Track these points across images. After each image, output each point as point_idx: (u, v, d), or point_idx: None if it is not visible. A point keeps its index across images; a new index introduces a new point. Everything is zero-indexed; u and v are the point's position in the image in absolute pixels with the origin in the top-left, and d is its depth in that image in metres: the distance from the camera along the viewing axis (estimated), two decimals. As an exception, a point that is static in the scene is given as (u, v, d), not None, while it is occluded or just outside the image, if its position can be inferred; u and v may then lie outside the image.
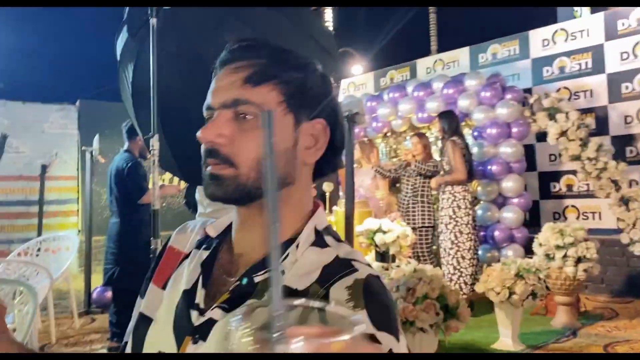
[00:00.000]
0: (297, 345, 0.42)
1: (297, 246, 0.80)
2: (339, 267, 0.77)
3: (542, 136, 5.86)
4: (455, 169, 5.07)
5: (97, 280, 6.37)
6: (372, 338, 0.69)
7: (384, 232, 4.29)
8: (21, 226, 8.22)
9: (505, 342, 3.98)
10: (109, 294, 5.57)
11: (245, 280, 0.79)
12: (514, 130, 5.71)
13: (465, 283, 5.07)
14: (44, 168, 7.94)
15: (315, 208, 0.87)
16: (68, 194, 8.73)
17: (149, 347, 0.83)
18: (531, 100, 5.57)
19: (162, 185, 3.99)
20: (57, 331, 4.53)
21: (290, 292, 0.75)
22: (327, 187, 5.10)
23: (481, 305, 4.67)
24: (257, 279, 0.78)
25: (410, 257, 4.65)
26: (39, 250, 5.04)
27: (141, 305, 0.89)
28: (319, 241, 0.82)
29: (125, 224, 4.32)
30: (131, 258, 4.15)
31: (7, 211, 8.11)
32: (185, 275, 0.85)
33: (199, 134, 0.78)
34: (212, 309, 0.77)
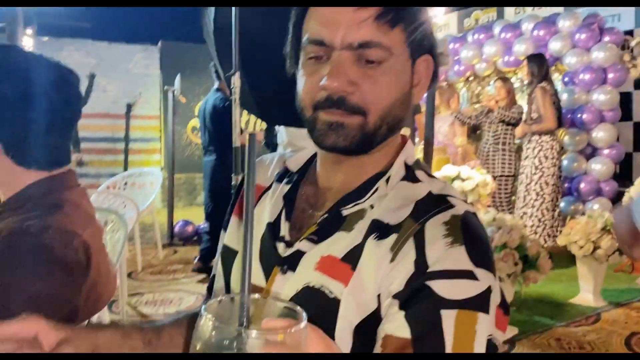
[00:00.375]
0: (255, 336, 0.44)
1: (387, 180, 0.77)
2: (434, 203, 0.74)
3: (641, 83, 5.41)
4: (545, 118, 4.80)
5: (179, 214, 6.69)
6: (470, 275, 0.67)
7: (463, 180, 4.17)
8: (108, 162, 8.71)
9: (586, 297, 3.83)
10: (190, 228, 5.86)
11: (332, 213, 0.77)
12: (610, 75, 5.29)
13: (548, 235, 4.90)
14: (129, 107, 8.31)
15: (404, 142, 0.83)
16: (151, 132, 9.11)
17: (236, 278, 0.84)
18: (632, 43, 5.12)
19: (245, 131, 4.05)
20: (142, 260, 4.82)
21: (382, 227, 0.73)
22: (404, 132, 4.99)
23: (562, 258, 4.51)
24: (345, 212, 0.77)
25: (489, 205, 4.51)
26: (125, 184, 5.32)
27: (225, 238, 0.90)
28: (410, 176, 0.79)
29: (220, 161, 4.44)
30: (225, 195, 4.30)
31: (95, 147, 8.59)
32: (268, 208, 0.85)
33: (324, 82, 0.71)
34: (300, 241, 0.77)
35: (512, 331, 3.17)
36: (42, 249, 0.96)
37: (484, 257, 0.69)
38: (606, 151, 5.38)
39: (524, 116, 5.13)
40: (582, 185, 5.37)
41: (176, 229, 5.87)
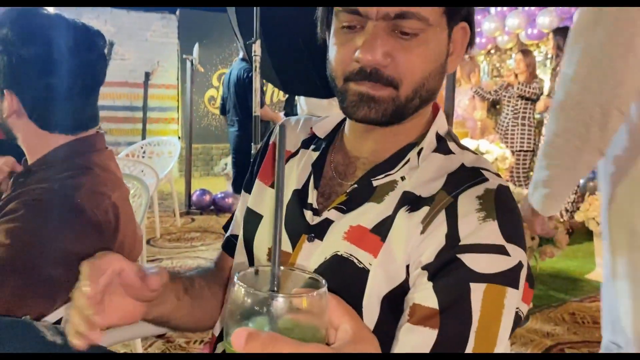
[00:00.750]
0: (282, 300, 0.49)
1: (419, 152, 0.76)
2: (467, 176, 0.73)
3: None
4: None
5: (196, 184, 6.76)
6: (501, 250, 0.67)
7: (482, 154, 4.14)
8: (126, 130, 8.78)
9: (602, 273, 3.82)
10: (207, 197, 5.92)
11: (363, 183, 0.77)
12: (637, 50, 5.16)
13: (566, 210, 4.89)
14: (147, 75, 8.31)
15: (435, 112, 0.82)
16: (169, 101, 9.14)
17: (259, 243, 0.84)
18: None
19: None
20: (160, 227, 4.89)
21: (414, 199, 0.73)
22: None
23: (579, 234, 4.49)
24: (375, 183, 0.76)
25: (508, 180, 4.49)
26: (144, 153, 5.37)
27: (249, 201, 0.90)
28: (442, 147, 0.78)
29: (244, 132, 4.44)
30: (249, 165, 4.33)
31: (114, 115, 8.64)
32: (295, 174, 0.84)
33: (357, 54, 0.70)
34: (329, 210, 0.77)
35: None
36: (74, 209, 0.98)
37: (515, 232, 0.69)
38: (628, 127, 5.29)
39: (546, 90, 5.05)
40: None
41: (194, 197, 5.94)
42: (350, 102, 0.73)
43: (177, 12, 8.93)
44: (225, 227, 1.00)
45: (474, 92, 5.59)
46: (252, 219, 0.88)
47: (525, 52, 5.36)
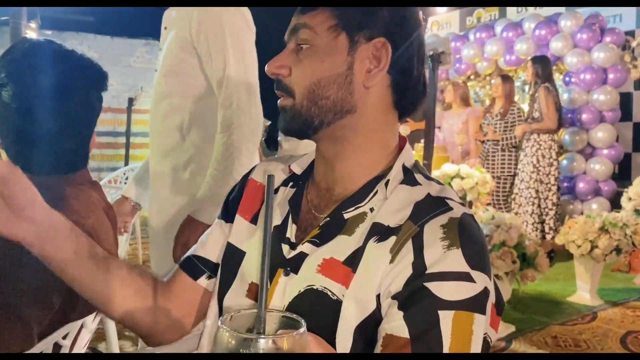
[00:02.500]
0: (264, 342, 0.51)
1: (386, 184, 0.79)
2: (432, 205, 0.76)
3: (641, 84, 5.43)
4: (547, 117, 4.83)
5: (179, 210, 6.69)
6: (467, 277, 0.69)
7: (462, 178, 4.19)
8: (109, 156, 8.73)
9: (583, 295, 3.87)
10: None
11: (334, 216, 0.80)
12: (611, 76, 5.31)
13: (545, 233, 4.96)
14: (131, 101, 8.29)
15: (402, 144, 0.85)
16: (152, 127, 9.10)
17: (241, 278, 0.85)
18: (633, 44, 5.15)
19: None
20: (143, 254, 4.85)
21: (382, 229, 0.75)
22: (404, 130, 5.01)
23: (559, 256, 4.54)
24: (346, 216, 0.79)
25: (488, 204, 4.54)
26: (126, 178, 5.32)
27: (230, 236, 0.91)
28: (409, 179, 0.81)
29: None
30: None
31: (97, 141, 8.53)
32: (276, 211, 0.86)
33: (266, 67, 0.81)
34: (303, 243, 0.79)
35: (509, 329, 3.20)
36: None
37: (480, 259, 0.71)
38: (605, 151, 5.41)
39: (525, 114, 5.15)
40: (580, 185, 5.40)
41: (177, 223, 5.89)
42: (278, 117, 0.83)
43: (161, 38, 8.99)
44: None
45: (475, 139, 5.60)
46: (233, 254, 0.89)
47: (505, 77, 5.46)
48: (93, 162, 8.66)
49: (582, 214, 4.77)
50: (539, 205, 4.98)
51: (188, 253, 0.96)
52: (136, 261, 4.65)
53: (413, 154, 0.86)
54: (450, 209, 0.75)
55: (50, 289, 0.96)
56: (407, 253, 0.71)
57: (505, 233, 3.23)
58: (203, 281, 0.92)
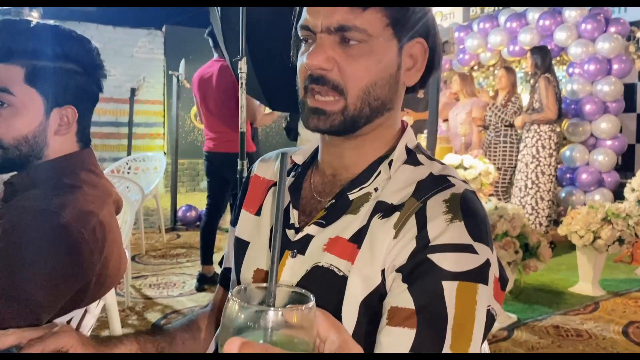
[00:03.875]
0: (273, 314, 0.51)
1: (390, 164, 0.81)
2: (435, 183, 0.78)
3: (646, 74, 5.40)
4: (547, 108, 4.82)
5: (182, 200, 6.72)
6: (469, 248, 0.71)
7: (465, 169, 4.19)
8: (112, 146, 8.73)
9: (585, 286, 3.87)
10: (193, 213, 5.90)
11: (339, 198, 0.81)
12: (615, 67, 5.28)
13: (541, 224, 4.98)
14: (133, 91, 8.29)
15: (404, 127, 0.87)
16: (154, 117, 9.12)
17: (247, 266, 0.88)
18: (638, 35, 5.11)
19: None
20: (146, 244, 4.87)
21: (386, 207, 0.77)
22: (407, 120, 4.99)
23: (561, 247, 4.54)
24: (351, 197, 0.80)
25: (491, 194, 4.54)
26: (129, 169, 5.34)
27: (236, 231, 0.93)
28: (412, 159, 0.83)
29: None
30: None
31: (99, 131, 8.60)
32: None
33: (305, 60, 0.76)
34: (309, 225, 0.81)
35: (511, 319, 3.21)
36: (59, 228, 0.97)
37: (481, 232, 0.73)
38: (609, 142, 5.39)
39: (525, 106, 5.15)
40: (583, 176, 5.39)
41: (179, 213, 5.92)
42: (304, 114, 0.79)
43: (163, 28, 8.96)
44: (220, 262, 1.03)
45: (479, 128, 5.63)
46: (240, 246, 0.91)
47: (508, 69, 5.46)
48: (95, 152, 8.64)
49: (584, 205, 4.77)
50: (535, 195, 5.00)
51: (222, 267, 1.01)
52: (139, 251, 4.67)
53: (414, 136, 0.87)
54: (452, 185, 0.77)
55: (58, 276, 0.97)
56: (411, 228, 0.73)
57: (507, 223, 3.23)
58: None
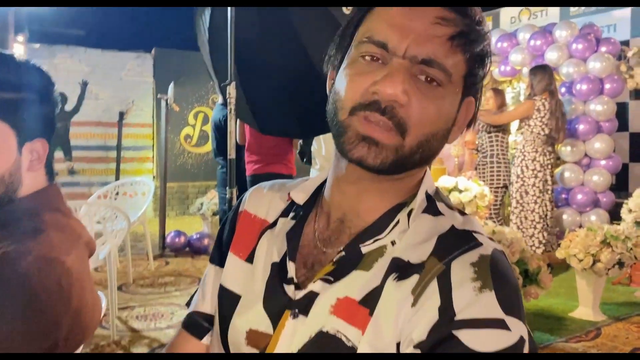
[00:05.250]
0: None
1: (409, 214, 0.70)
2: (458, 239, 0.67)
3: (638, 93, 5.39)
4: (506, 114, 5.02)
5: (171, 223, 6.59)
6: (501, 324, 0.60)
7: (460, 191, 4.11)
8: (100, 170, 8.61)
9: (585, 311, 3.78)
10: (182, 238, 5.77)
11: (350, 250, 0.70)
12: (607, 86, 5.26)
13: (526, 244, 4.93)
14: (122, 115, 8.23)
15: (423, 171, 0.76)
16: (143, 140, 9.02)
17: (239, 325, 0.75)
18: (629, 54, 5.11)
19: None
20: (133, 272, 4.72)
21: (403, 265, 0.66)
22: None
23: (559, 268, 4.46)
24: (364, 250, 0.69)
25: (487, 217, 4.47)
26: (117, 194, 5.23)
27: (222, 278, 0.81)
28: (431, 208, 0.72)
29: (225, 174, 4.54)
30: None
31: (87, 155, 8.49)
32: (275, 247, 0.77)
33: (377, 85, 0.64)
34: (314, 282, 0.70)
35: (512, 347, 3.10)
36: (19, 279, 0.86)
37: (514, 303, 0.62)
38: (603, 162, 5.35)
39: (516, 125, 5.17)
40: (579, 197, 5.33)
41: (168, 239, 5.78)
42: (349, 138, 0.67)
43: (153, 51, 8.90)
44: (188, 303, 0.89)
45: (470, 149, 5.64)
46: (227, 298, 0.78)
47: (497, 90, 5.47)
48: (83, 176, 8.55)
49: (580, 226, 4.70)
50: (519, 215, 5.01)
51: (190, 309, 0.87)
52: (126, 279, 4.53)
53: (433, 180, 0.77)
54: (480, 244, 0.66)
55: (15, 338, 0.85)
56: (432, 295, 0.62)
57: (506, 249, 3.14)
58: (208, 339, 0.83)
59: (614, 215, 4.88)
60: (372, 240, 0.70)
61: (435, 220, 0.70)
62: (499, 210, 5.30)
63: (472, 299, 0.61)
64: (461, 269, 0.63)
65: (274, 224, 0.80)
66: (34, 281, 0.88)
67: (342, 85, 0.68)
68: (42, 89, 1.06)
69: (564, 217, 5.36)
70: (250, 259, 0.79)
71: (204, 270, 0.89)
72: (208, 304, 0.84)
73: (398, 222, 0.70)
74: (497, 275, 0.63)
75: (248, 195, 0.87)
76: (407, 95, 0.64)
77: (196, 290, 0.89)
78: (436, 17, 0.64)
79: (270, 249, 0.77)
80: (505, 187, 5.27)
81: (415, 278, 0.64)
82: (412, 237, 0.68)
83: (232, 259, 0.81)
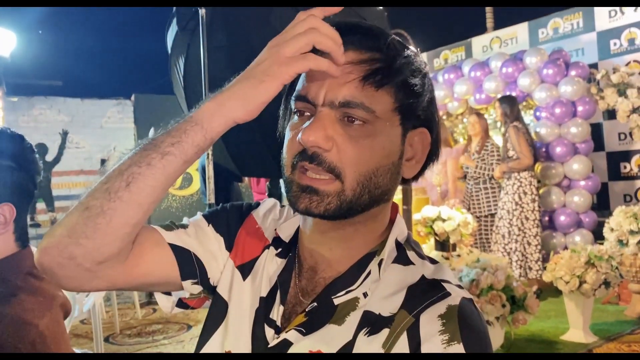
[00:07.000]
0: None
1: (379, 263, 0.71)
2: (427, 290, 0.68)
3: (610, 114, 5.50)
4: (521, 155, 4.87)
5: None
6: None
7: (444, 220, 4.13)
8: (84, 219, 8.51)
9: (576, 333, 3.77)
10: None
11: (323, 302, 0.71)
12: (580, 108, 5.38)
13: (530, 269, 4.92)
14: (103, 162, 8.18)
15: (393, 215, 0.77)
16: (127, 186, 8.95)
17: (220, 336, 0.77)
18: (598, 76, 5.23)
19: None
20: (120, 322, 4.64)
21: (373, 319, 0.67)
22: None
23: (548, 291, 4.46)
24: (336, 301, 0.70)
25: (472, 245, 4.48)
26: (101, 242, 5.17)
27: (219, 285, 0.80)
28: (401, 257, 0.73)
29: None
30: None
31: (70, 205, 8.30)
32: (266, 275, 0.77)
33: (300, 135, 0.66)
34: (287, 331, 0.70)
35: (505, 376, 3.08)
36: None
37: (482, 353, 0.64)
38: (582, 183, 5.42)
39: (498, 149, 5.20)
40: (562, 218, 5.38)
41: (155, 286, 5.70)
42: (293, 192, 0.69)
43: (132, 97, 8.95)
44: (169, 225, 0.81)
45: (465, 170, 5.64)
46: (218, 304, 0.79)
47: (480, 115, 5.54)
48: (67, 226, 8.44)
49: (566, 248, 4.73)
50: (522, 241, 4.94)
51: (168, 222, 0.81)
52: (113, 330, 4.44)
53: (404, 225, 0.78)
54: (448, 294, 0.67)
55: None
56: (402, 349, 0.63)
57: (492, 276, 3.15)
58: (171, 238, 0.78)
59: (598, 235, 4.92)
60: (344, 292, 0.70)
61: (405, 270, 0.71)
62: (489, 238, 5.30)
63: (441, 352, 0.61)
64: (429, 322, 0.64)
65: (269, 246, 0.81)
66: (8, 345, 0.87)
67: (284, 143, 0.72)
68: (16, 157, 1.07)
69: (547, 238, 5.39)
70: (242, 270, 0.79)
71: (192, 316, 0.88)
72: (186, 239, 0.79)
73: (370, 272, 0.71)
74: (465, 326, 0.63)
75: (263, 205, 0.87)
76: (330, 140, 0.66)
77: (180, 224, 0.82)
78: (346, 63, 0.67)
79: (264, 274, 0.77)
80: (494, 215, 5.26)
81: (385, 332, 0.65)
82: (383, 289, 0.69)
83: (230, 268, 0.81)
